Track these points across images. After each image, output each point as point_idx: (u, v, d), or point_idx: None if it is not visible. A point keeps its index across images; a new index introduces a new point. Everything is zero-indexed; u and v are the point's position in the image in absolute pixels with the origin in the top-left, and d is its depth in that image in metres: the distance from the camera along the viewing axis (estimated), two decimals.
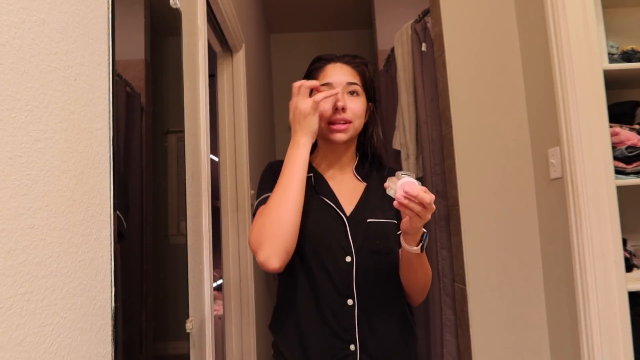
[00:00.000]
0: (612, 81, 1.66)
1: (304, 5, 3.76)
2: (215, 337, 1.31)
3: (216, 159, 2.08)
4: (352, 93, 1.08)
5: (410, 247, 0.96)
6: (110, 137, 0.71)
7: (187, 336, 1.10)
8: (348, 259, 1.02)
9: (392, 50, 2.62)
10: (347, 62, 1.11)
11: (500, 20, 1.89)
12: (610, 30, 1.82)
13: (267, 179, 1.10)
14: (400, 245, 1.10)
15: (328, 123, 1.06)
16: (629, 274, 1.59)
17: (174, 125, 1.16)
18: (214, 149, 1.93)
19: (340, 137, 1.06)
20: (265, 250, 0.94)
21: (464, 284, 1.81)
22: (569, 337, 1.60)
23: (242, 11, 2.35)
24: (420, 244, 0.96)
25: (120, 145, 0.78)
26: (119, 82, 0.77)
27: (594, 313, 1.45)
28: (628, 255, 1.68)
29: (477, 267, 1.79)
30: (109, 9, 0.73)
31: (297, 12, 3.87)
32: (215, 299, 2.29)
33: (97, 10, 0.70)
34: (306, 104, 1.01)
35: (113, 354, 0.69)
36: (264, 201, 1.04)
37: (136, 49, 0.95)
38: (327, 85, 1.07)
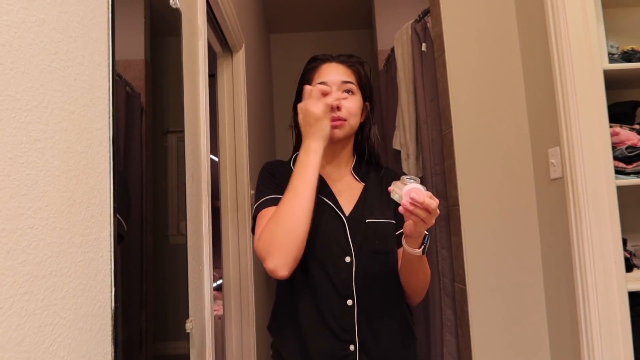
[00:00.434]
0: (612, 81, 1.66)
1: (304, 5, 3.76)
2: (215, 337, 1.31)
3: (216, 159, 2.08)
4: (346, 92, 1.08)
5: (412, 250, 0.96)
6: (110, 137, 0.71)
7: (187, 336, 1.10)
8: (347, 259, 1.02)
9: (392, 50, 2.62)
10: (342, 62, 1.11)
11: (500, 20, 1.89)
12: (610, 30, 1.82)
13: (265, 180, 1.09)
14: (399, 245, 1.10)
15: None
16: (629, 274, 1.59)
17: (174, 125, 1.16)
18: (214, 149, 1.93)
19: (335, 132, 1.05)
20: (276, 259, 0.93)
21: (464, 284, 1.81)
22: (569, 337, 1.60)
23: (242, 11, 2.35)
24: (422, 246, 0.96)
25: (120, 145, 0.78)
26: (119, 82, 0.77)
27: (594, 313, 1.44)
28: (628, 255, 1.68)
29: (477, 267, 1.79)
30: (109, 9, 0.73)
31: (297, 12, 3.87)
32: (215, 299, 2.29)
33: (97, 10, 0.70)
34: (318, 108, 1.00)
35: (113, 354, 0.69)
36: (264, 204, 1.04)
37: (136, 49, 0.95)
38: (322, 84, 1.07)
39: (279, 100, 3.97)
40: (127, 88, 0.88)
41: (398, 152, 2.50)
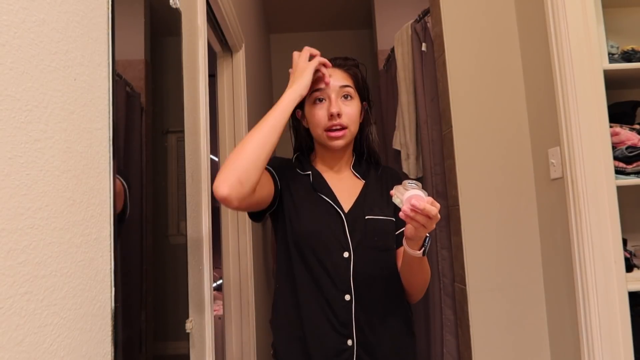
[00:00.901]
0: (612, 81, 1.66)
1: (304, 5, 3.76)
2: (215, 337, 1.31)
3: (216, 159, 2.08)
4: (345, 97, 1.09)
5: (413, 252, 0.97)
6: (110, 137, 0.71)
7: (187, 336, 1.10)
8: (346, 254, 1.03)
9: (392, 50, 2.62)
10: (339, 66, 1.12)
11: (500, 20, 1.89)
12: (610, 30, 1.82)
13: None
14: (398, 245, 1.11)
15: (325, 130, 1.07)
16: (629, 274, 1.59)
17: (174, 125, 1.16)
18: (214, 149, 1.93)
19: (337, 143, 1.08)
20: (219, 177, 0.93)
21: (464, 284, 1.81)
22: (569, 337, 1.60)
23: (242, 11, 2.35)
24: (423, 248, 0.96)
25: (120, 145, 0.78)
26: (119, 82, 0.77)
27: (594, 313, 1.44)
28: (628, 255, 1.68)
29: (477, 267, 1.79)
30: (109, 9, 0.73)
31: (297, 12, 3.86)
32: (215, 299, 2.29)
33: (97, 10, 0.70)
34: (305, 61, 1.07)
35: (113, 354, 0.69)
36: None
37: (136, 49, 0.95)
38: (320, 90, 1.08)
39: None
40: (127, 88, 0.88)
41: (398, 152, 2.50)
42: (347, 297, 1.02)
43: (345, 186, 1.12)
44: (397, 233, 1.11)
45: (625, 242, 1.60)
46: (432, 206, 0.85)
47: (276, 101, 1.04)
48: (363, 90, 1.14)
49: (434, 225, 0.89)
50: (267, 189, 1.04)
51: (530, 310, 1.77)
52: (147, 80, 0.99)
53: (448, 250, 2.01)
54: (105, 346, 0.68)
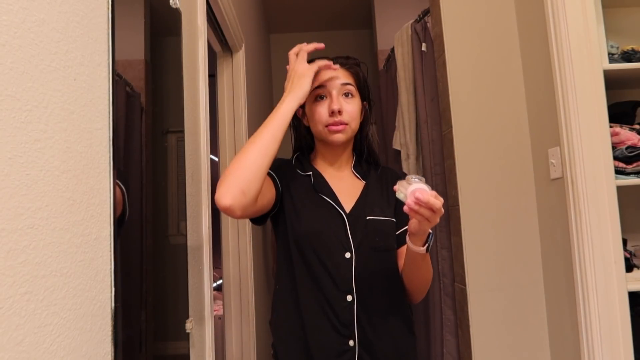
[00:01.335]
0: (612, 81, 1.66)
1: (304, 5, 3.76)
2: (215, 337, 1.31)
3: (216, 159, 2.08)
4: (346, 95, 1.09)
5: (416, 248, 0.97)
6: (110, 137, 0.71)
7: (187, 336, 1.10)
8: (347, 255, 1.03)
9: (392, 50, 2.62)
10: (341, 64, 1.12)
11: (500, 20, 1.89)
12: (610, 30, 1.82)
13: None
14: (399, 245, 1.11)
15: (325, 126, 1.07)
16: (629, 274, 1.59)
17: (174, 125, 1.16)
18: (214, 149, 1.93)
19: (338, 137, 1.07)
20: (221, 188, 0.92)
21: (464, 284, 1.81)
22: (569, 337, 1.60)
23: (242, 11, 2.35)
24: (426, 244, 0.96)
25: (120, 145, 0.78)
26: (119, 82, 0.77)
27: (594, 313, 1.44)
28: (628, 256, 1.68)
29: (477, 267, 1.79)
30: (109, 9, 0.73)
31: (297, 12, 3.86)
32: (215, 299, 2.29)
33: (97, 10, 0.70)
34: (303, 66, 1.03)
35: (113, 354, 0.69)
36: None
37: (136, 49, 0.95)
38: (321, 88, 1.08)
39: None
40: (127, 88, 0.88)
41: (398, 152, 2.50)
42: (349, 298, 1.02)
43: (346, 187, 1.12)
44: (397, 233, 1.11)
45: (625, 242, 1.61)
46: (435, 199, 0.86)
47: (276, 102, 1.03)
48: (364, 89, 1.14)
49: (438, 219, 0.89)
50: (269, 195, 1.04)
51: (530, 310, 1.77)
52: (147, 80, 0.99)
53: (448, 250, 2.01)
54: (105, 346, 0.68)
